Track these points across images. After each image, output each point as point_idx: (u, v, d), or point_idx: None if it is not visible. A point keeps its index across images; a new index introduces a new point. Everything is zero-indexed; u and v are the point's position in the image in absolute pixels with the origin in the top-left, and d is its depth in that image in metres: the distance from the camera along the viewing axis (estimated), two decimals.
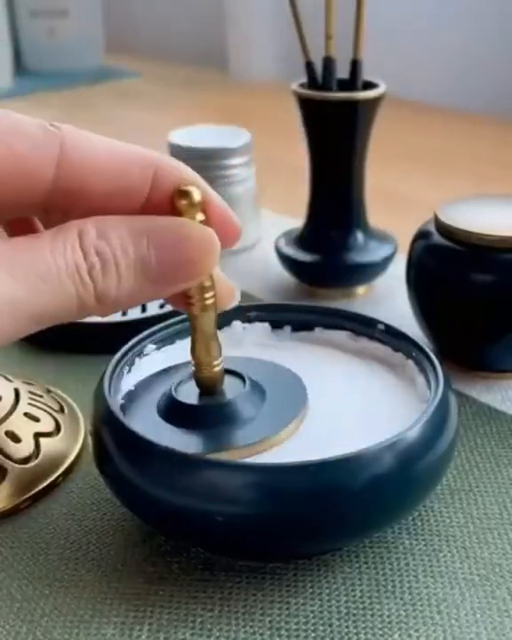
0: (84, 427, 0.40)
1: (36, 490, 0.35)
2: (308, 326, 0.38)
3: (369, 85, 0.50)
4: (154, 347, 0.36)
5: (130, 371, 0.35)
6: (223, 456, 0.29)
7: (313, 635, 0.29)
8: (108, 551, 0.32)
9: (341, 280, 0.54)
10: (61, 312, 0.23)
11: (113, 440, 0.30)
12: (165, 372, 0.35)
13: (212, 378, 0.31)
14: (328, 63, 0.50)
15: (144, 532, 0.33)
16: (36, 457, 0.36)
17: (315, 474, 0.27)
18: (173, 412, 0.31)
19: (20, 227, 0.28)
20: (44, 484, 0.36)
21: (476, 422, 0.40)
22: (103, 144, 0.25)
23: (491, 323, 0.42)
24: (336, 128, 0.50)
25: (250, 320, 0.38)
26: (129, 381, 0.34)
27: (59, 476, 0.36)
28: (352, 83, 0.50)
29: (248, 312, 0.38)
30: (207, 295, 0.28)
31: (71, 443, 0.38)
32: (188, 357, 0.34)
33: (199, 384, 0.31)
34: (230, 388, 0.32)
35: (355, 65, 0.50)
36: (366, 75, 0.50)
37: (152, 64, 1.62)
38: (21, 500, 0.35)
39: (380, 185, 0.60)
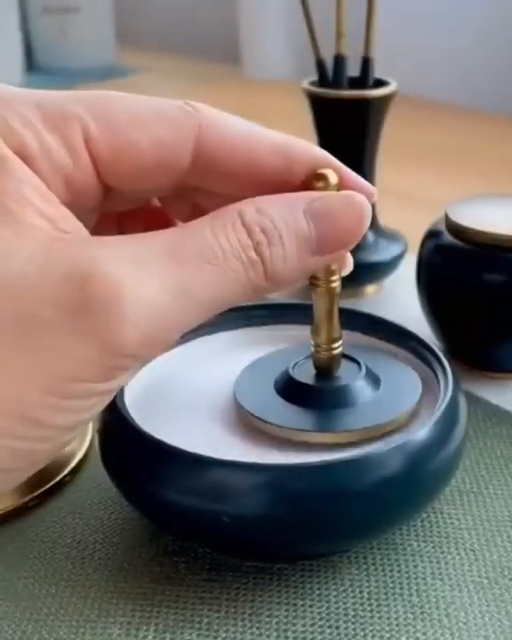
0: (91, 425, 0.40)
1: (44, 488, 0.35)
2: None
3: (380, 83, 0.50)
4: None
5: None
6: (333, 437, 0.30)
7: (320, 637, 0.28)
8: (115, 550, 0.32)
9: (351, 279, 0.53)
10: (233, 295, 0.23)
11: (120, 439, 0.30)
12: (283, 351, 0.35)
13: (329, 360, 0.31)
14: (339, 61, 0.50)
15: (151, 531, 0.33)
16: None
17: (322, 475, 0.27)
18: (290, 389, 0.32)
19: (153, 220, 0.29)
20: (52, 482, 0.36)
21: (486, 423, 0.40)
22: (239, 127, 0.26)
23: (502, 322, 0.41)
24: (347, 126, 0.49)
25: (256, 319, 0.38)
26: (137, 381, 0.34)
27: (66, 475, 0.36)
28: (363, 80, 0.50)
29: (255, 311, 0.38)
30: (333, 278, 0.29)
31: (79, 441, 0.38)
32: (199, 359, 0.34)
33: (317, 365, 0.32)
34: (346, 372, 0.32)
35: (366, 63, 0.50)
36: (377, 73, 0.50)
37: (164, 60, 1.62)
38: (28, 499, 0.35)
39: (391, 183, 0.60)
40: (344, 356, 0.32)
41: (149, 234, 0.23)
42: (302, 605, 0.30)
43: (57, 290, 0.21)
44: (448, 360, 0.33)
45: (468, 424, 0.32)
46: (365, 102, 0.48)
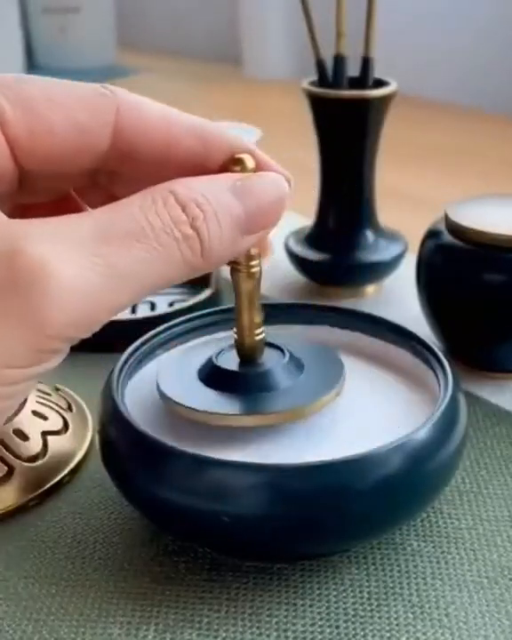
0: (91, 425, 0.40)
1: (44, 488, 0.35)
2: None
3: (380, 83, 0.50)
4: (162, 346, 0.36)
5: (138, 369, 0.35)
6: (259, 420, 0.30)
7: (320, 637, 0.28)
8: (115, 550, 0.32)
9: (351, 279, 0.54)
10: (166, 273, 0.23)
11: (120, 439, 0.30)
12: (207, 343, 0.35)
13: (252, 346, 0.32)
14: (339, 61, 0.50)
15: (151, 531, 0.33)
16: (44, 455, 0.36)
17: (322, 474, 0.27)
18: (213, 376, 0.32)
19: (64, 212, 0.29)
20: (52, 482, 0.36)
21: (485, 423, 0.40)
22: (156, 111, 0.26)
23: (501, 322, 0.41)
24: (346, 126, 0.49)
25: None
26: (137, 380, 0.34)
27: (66, 475, 0.36)
28: (363, 80, 0.50)
29: None
30: (253, 263, 0.29)
31: (79, 441, 0.38)
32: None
33: (240, 352, 0.32)
34: (270, 358, 0.32)
35: (366, 62, 0.50)
36: (377, 73, 0.50)
37: (164, 60, 1.62)
38: (28, 499, 0.35)
39: (391, 183, 0.60)
40: (268, 343, 0.32)
41: (75, 215, 0.23)
42: (302, 605, 0.30)
43: None
44: (448, 360, 0.33)
45: (468, 424, 0.32)
46: (365, 102, 0.48)
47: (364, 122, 0.49)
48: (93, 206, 0.29)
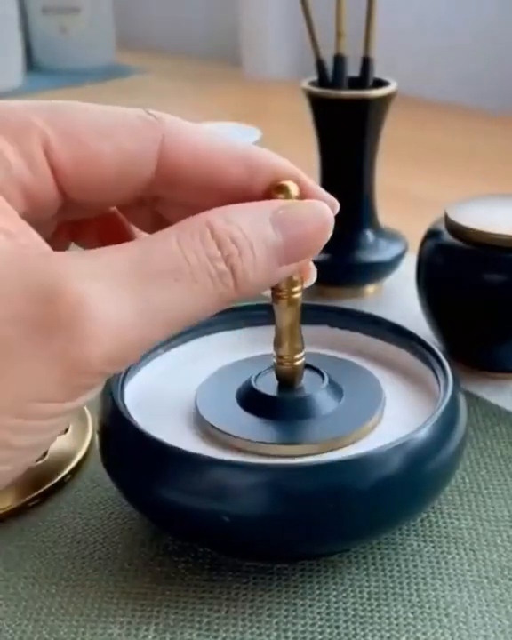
0: (91, 425, 0.40)
1: (44, 488, 0.35)
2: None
3: (380, 83, 0.50)
4: (162, 346, 0.36)
5: (138, 369, 0.35)
6: (298, 450, 0.30)
7: (320, 637, 0.28)
8: (115, 550, 0.32)
9: (351, 279, 0.54)
10: (201, 309, 0.23)
11: (120, 439, 0.30)
12: (246, 361, 0.35)
13: (292, 371, 0.31)
14: (339, 61, 0.50)
15: (151, 531, 0.33)
16: (44, 455, 0.36)
17: (323, 475, 0.27)
18: (252, 401, 0.31)
19: (108, 229, 0.29)
20: (52, 482, 0.36)
21: (485, 423, 0.40)
22: (202, 136, 0.25)
23: (501, 322, 0.41)
24: (346, 126, 0.49)
25: (257, 319, 0.38)
26: (137, 380, 0.34)
27: (66, 475, 0.36)
28: (363, 81, 0.50)
29: (255, 311, 0.38)
30: (295, 289, 0.28)
31: (79, 441, 0.38)
32: (196, 358, 0.34)
33: (279, 377, 0.32)
34: (309, 383, 0.32)
35: (366, 63, 0.50)
36: (377, 73, 0.50)
37: (164, 60, 1.62)
38: (29, 499, 0.35)
39: (392, 183, 0.60)
40: (308, 366, 0.32)
41: (113, 248, 0.22)
42: (302, 605, 0.30)
43: (18, 307, 0.20)
44: (448, 360, 0.33)
45: (468, 424, 0.32)
46: (365, 102, 0.48)
47: (363, 122, 0.49)
48: (137, 223, 0.29)
